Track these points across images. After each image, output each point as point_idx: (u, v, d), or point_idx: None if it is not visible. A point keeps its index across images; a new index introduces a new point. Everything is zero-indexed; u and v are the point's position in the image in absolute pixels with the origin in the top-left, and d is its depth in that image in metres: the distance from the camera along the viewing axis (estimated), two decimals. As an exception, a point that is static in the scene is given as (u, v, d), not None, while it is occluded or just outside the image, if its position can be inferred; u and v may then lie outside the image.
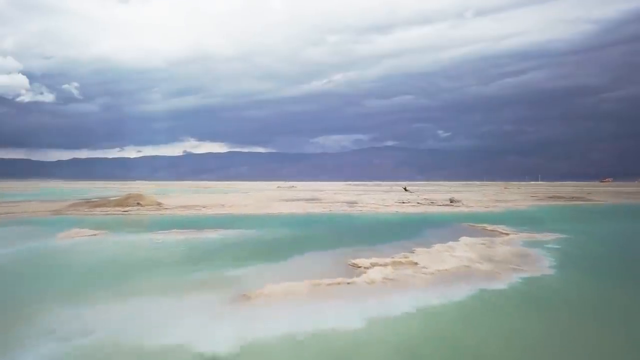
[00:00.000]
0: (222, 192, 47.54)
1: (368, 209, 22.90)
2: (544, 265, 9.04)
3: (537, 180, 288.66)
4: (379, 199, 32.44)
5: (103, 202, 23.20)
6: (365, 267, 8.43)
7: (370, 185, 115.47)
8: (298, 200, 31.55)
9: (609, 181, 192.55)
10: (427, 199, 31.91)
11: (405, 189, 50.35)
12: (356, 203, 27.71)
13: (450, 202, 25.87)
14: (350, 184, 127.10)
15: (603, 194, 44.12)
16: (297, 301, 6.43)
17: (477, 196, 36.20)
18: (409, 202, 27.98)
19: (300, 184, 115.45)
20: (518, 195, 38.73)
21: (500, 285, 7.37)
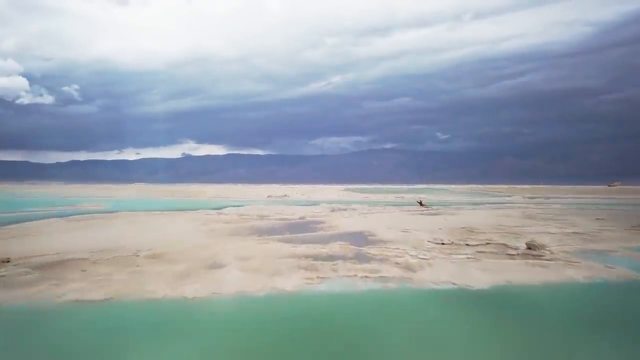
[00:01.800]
0: (187, 209, 36.35)
1: (400, 275, 11.84)
2: None
3: (538, 184, 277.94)
4: (401, 228, 21.36)
5: None
6: None
7: (373, 189, 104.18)
8: (277, 232, 20.49)
9: (617, 185, 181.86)
10: (469, 229, 20.98)
11: (420, 203, 39.43)
12: (371, 242, 16.78)
13: (529, 248, 14.81)
14: (350, 189, 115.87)
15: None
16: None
17: (537, 225, 25.09)
18: (450, 241, 17.00)
19: (297, 189, 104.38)
20: (588, 220, 27.61)
21: None
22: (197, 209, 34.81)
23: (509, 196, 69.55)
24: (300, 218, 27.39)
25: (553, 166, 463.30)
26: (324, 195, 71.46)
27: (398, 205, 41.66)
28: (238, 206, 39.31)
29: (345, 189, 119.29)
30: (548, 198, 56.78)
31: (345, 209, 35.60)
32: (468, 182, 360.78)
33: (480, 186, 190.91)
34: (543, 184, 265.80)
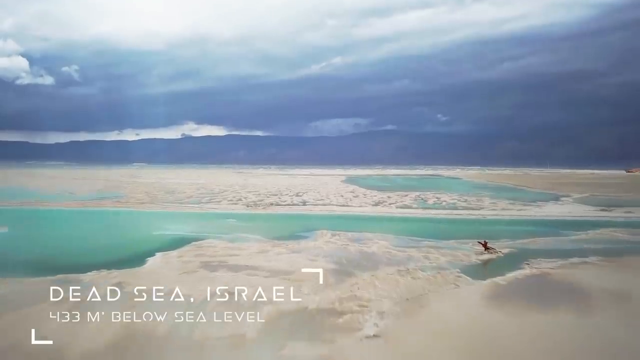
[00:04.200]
0: (77, 267, 19.99)
1: None
2: None
3: (545, 167, 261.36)
4: None
5: None
6: None
7: (380, 182, 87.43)
8: None
9: (638, 171, 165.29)
10: None
11: (485, 246, 22.96)
12: None
13: None
14: (352, 178, 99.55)
15: None
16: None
17: None
18: None
19: (292, 183, 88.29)
20: None
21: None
22: (92, 271, 18.41)
23: (557, 200, 53.26)
24: (271, 323, 11.19)
25: (553, 149, 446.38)
26: (324, 195, 55.25)
27: (445, 240, 25.32)
28: (190, 241, 23.17)
29: (348, 179, 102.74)
30: (630, 212, 40.34)
31: (363, 259, 19.45)
32: (469, 165, 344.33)
33: (492, 171, 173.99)
34: (549, 167, 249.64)
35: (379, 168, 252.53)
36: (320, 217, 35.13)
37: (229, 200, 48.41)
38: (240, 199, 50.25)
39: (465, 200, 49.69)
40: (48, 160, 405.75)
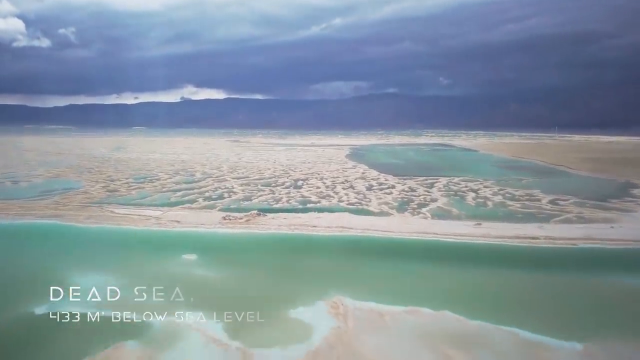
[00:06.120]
0: None
1: None
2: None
3: (554, 132, 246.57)
4: None
5: None
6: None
7: (394, 159, 74.25)
8: None
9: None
10: None
11: None
12: None
13: None
14: (358, 151, 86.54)
15: None
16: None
17: None
18: None
19: (290, 161, 75.79)
20: None
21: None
22: None
23: (628, 194, 40.59)
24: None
25: (557, 113, 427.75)
26: (330, 184, 42.78)
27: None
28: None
29: (352, 152, 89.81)
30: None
31: None
32: (472, 129, 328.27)
33: (501, 139, 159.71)
34: (557, 133, 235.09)
35: (381, 133, 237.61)
36: (328, 246, 22.67)
37: (205, 199, 35.81)
38: (222, 195, 37.67)
39: (512, 196, 37.08)
40: (47, 123, 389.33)
